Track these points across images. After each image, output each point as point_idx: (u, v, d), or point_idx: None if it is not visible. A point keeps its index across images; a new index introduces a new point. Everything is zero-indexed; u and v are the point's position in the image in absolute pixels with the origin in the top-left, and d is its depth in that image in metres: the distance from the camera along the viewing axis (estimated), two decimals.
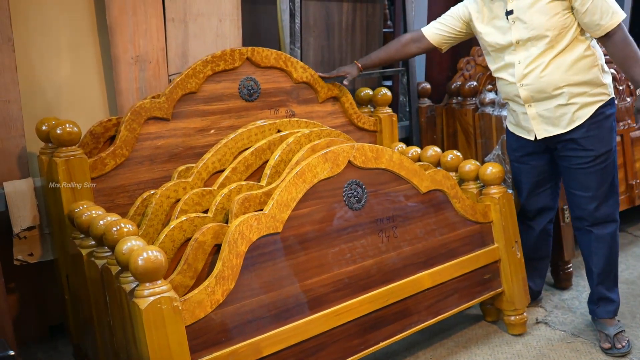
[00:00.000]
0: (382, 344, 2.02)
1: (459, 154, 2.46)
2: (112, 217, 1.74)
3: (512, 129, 2.44)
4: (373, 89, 2.80)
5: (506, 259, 2.37)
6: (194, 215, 1.84)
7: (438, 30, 2.47)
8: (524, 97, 2.24)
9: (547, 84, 2.18)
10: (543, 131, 2.27)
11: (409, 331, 2.09)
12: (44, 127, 2.04)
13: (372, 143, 2.69)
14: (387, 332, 2.03)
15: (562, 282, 2.83)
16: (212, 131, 2.24)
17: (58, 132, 1.94)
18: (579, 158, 2.24)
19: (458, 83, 3.13)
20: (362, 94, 2.77)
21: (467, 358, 2.26)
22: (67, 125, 1.96)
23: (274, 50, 2.36)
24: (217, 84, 2.24)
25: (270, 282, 1.78)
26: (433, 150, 2.51)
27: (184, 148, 2.18)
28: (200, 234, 1.73)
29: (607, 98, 2.22)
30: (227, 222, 1.84)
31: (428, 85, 3.19)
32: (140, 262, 1.49)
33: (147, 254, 1.50)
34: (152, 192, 2.03)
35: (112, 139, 2.12)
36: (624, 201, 3.11)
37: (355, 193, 1.99)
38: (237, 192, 1.93)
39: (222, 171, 2.09)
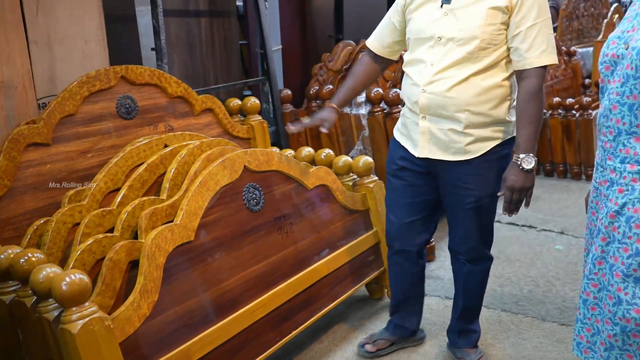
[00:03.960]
0: (294, 333, 2.16)
1: (330, 151, 2.69)
2: (14, 249, 1.68)
3: (398, 137, 2.10)
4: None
5: (384, 241, 2.64)
6: (101, 236, 1.82)
7: (381, 38, 2.13)
8: (422, 105, 1.92)
9: (451, 102, 1.88)
10: (427, 151, 1.98)
11: (315, 317, 2.27)
12: None
13: None
14: (296, 321, 2.18)
15: (427, 256, 3.18)
16: (94, 152, 2.20)
17: None
18: (459, 197, 2.00)
19: (315, 88, 3.38)
20: (231, 104, 2.87)
21: (364, 334, 2.49)
22: None
23: (148, 67, 2.38)
24: (94, 104, 2.21)
25: (191, 289, 1.83)
26: (307, 151, 2.71)
27: (68, 172, 2.12)
28: (114, 252, 1.72)
29: (507, 137, 1.96)
30: (135, 239, 1.85)
31: (289, 92, 3.40)
32: (64, 287, 1.47)
33: (71, 278, 1.49)
34: (42, 221, 1.95)
35: None
36: None
37: (253, 196, 2.11)
38: (141, 208, 1.94)
39: (115, 191, 2.08)
